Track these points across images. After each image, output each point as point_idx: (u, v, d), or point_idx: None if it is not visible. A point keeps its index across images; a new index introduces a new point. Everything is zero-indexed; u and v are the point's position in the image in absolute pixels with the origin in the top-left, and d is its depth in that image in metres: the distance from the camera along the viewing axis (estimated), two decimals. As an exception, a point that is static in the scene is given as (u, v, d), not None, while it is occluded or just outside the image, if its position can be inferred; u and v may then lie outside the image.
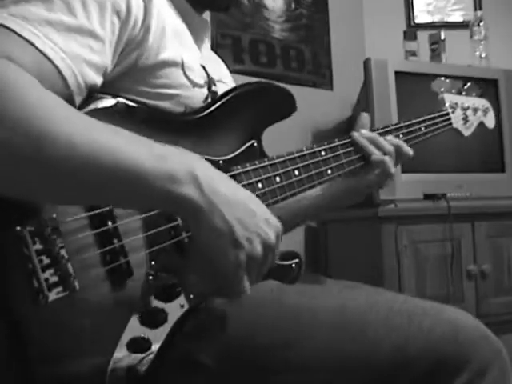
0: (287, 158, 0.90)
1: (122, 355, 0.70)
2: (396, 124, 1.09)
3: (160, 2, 0.82)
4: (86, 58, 0.70)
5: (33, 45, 0.65)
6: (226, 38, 2.14)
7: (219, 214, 0.64)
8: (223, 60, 1.13)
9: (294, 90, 0.99)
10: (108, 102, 0.74)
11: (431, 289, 1.96)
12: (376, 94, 2.04)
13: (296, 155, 0.92)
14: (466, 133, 1.23)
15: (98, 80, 0.73)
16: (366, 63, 2.07)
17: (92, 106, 0.73)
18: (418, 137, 1.12)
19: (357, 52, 2.52)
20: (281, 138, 1.50)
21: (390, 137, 1.06)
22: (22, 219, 0.64)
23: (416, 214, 1.98)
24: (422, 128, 1.13)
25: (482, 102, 1.29)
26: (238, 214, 0.66)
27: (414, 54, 2.42)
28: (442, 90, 1.25)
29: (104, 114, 0.73)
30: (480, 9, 2.67)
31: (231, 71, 1.14)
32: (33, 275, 0.64)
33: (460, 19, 2.72)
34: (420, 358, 0.75)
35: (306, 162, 0.93)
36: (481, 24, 2.46)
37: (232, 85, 1.05)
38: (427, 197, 2.05)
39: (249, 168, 0.84)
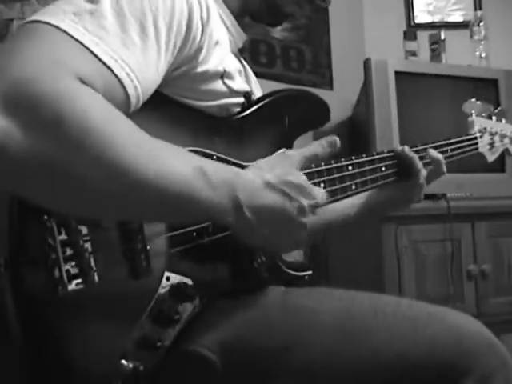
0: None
1: (131, 350, 0.71)
2: (424, 144, 1.09)
3: (213, 17, 0.81)
4: (152, 81, 0.71)
5: (110, 69, 0.64)
6: (226, 38, 2.14)
7: (256, 233, 0.72)
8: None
9: (294, 89, 0.99)
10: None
11: (431, 289, 1.96)
12: (376, 94, 2.04)
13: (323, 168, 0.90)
14: (490, 158, 1.24)
15: None
16: (366, 63, 2.07)
17: None
18: (444, 159, 1.11)
19: (357, 52, 2.51)
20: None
21: (429, 150, 1.08)
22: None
23: (416, 214, 1.98)
24: (449, 150, 1.14)
25: (511, 129, 1.29)
26: (273, 227, 0.73)
27: (414, 54, 2.42)
28: (473, 112, 1.24)
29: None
30: (480, 9, 2.67)
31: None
32: (55, 265, 0.65)
33: (460, 19, 2.72)
34: (423, 364, 0.75)
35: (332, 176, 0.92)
36: (481, 24, 2.46)
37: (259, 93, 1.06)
38: (427, 197, 2.05)
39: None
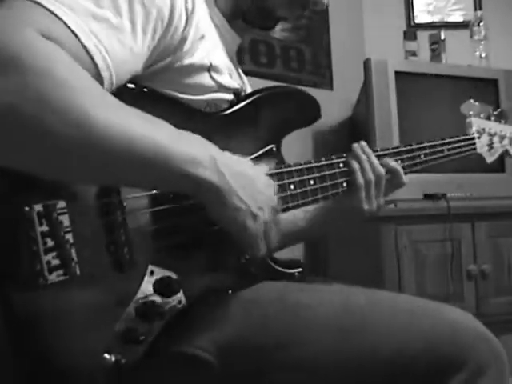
0: (304, 166, 0.90)
1: (114, 344, 0.71)
2: (419, 143, 1.08)
3: (200, 10, 0.81)
4: (125, 60, 0.71)
5: (77, 37, 0.65)
6: (225, 38, 2.14)
7: (236, 194, 0.72)
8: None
9: (294, 90, 0.99)
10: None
11: (431, 289, 1.95)
12: (376, 94, 2.04)
13: (313, 165, 0.91)
14: (489, 159, 1.22)
15: (125, 81, 0.74)
16: (366, 63, 2.07)
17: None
18: (439, 158, 1.11)
19: (357, 52, 2.51)
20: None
21: (386, 159, 1.00)
22: (31, 199, 0.65)
23: (416, 214, 1.98)
24: (445, 150, 1.12)
25: (511, 130, 1.28)
26: (249, 190, 0.73)
27: (414, 54, 2.42)
28: (471, 113, 1.23)
29: (127, 94, 0.73)
30: (480, 9, 2.67)
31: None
32: (35, 256, 0.65)
33: (460, 19, 2.72)
34: (419, 358, 0.75)
35: (323, 173, 0.93)
36: (481, 24, 2.46)
37: None
38: (427, 197, 2.05)
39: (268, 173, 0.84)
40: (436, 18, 2.73)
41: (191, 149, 0.68)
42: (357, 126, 2.30)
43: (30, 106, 0.58)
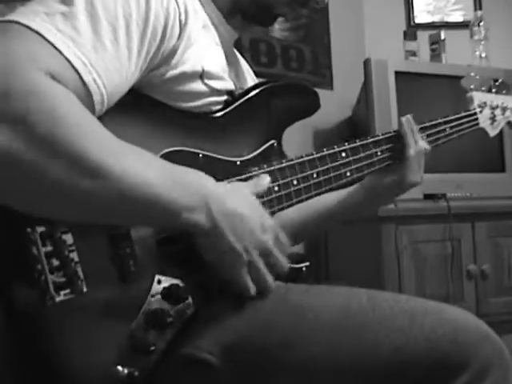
0: (306, 159, 0.90)
1: (125, 356, 0.71)
2: (421, 124, 1.07)
3: (192, 18, 0.81)
4: (119, 90, 0.71)
5: (77, 72, 0.65)
6: (226, 38, 2.14)
7: (223, 236, 0.72)
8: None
9: (295, 89, 0.98)
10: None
11: (431, 289, 1.96)
12: (376, 94, 2.04)
13: (316, 156, 0.92)
14: (492, 133, 1.19)
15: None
16: (366, 63, 2.07)
17: None
18: (442, 138, 1.10)
19: (357, 52, 2.51)
20: (281, 138, 1.50)
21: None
22: (33, 220, 0.65)
23: (416, 214, 1.98)
24: (447, 129, 1.11)
25: None
26: (237, 230, 0.73)
27: (414, 54, 2.42)
28: (472, 87, 1.21)
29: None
30: (480, 9, 2.67)
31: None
32: (41, 276, 0.65)
33: (460, 19, 2.72)
34: (421, 358, 0.75)
35: (326, 166, 0.93)
36: (481, 24, 2.46)
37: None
38: (427, 197, 2.05)
39: (266, 170, 0.84)
40: (436, 18, 2.73)
41: (186, 195, 0.69)
42: (357, 126, 2.30)
43: (32, 153, 0.59)
